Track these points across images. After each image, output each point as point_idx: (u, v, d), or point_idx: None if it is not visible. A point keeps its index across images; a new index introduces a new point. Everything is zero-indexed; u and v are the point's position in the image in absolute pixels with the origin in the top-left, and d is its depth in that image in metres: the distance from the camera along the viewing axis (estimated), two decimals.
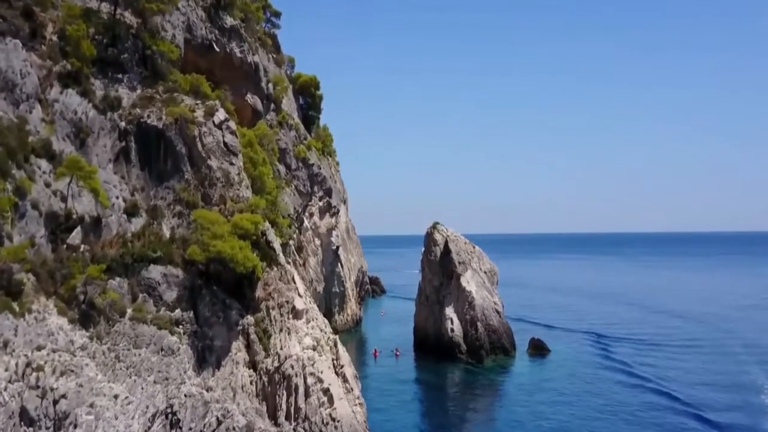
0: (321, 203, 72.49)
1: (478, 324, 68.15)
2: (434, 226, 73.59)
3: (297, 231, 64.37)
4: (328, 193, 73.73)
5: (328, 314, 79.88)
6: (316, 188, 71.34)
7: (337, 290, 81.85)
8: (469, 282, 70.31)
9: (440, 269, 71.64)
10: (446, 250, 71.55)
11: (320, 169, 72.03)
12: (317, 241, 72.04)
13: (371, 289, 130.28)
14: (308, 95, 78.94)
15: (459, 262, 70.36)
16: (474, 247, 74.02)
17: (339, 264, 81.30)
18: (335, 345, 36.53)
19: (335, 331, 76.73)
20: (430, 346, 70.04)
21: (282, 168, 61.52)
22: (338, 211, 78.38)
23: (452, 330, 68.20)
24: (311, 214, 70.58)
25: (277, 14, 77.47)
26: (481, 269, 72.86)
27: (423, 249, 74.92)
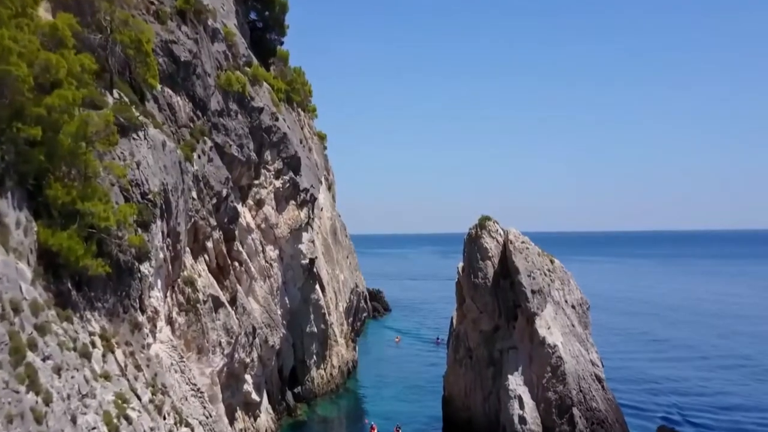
0: (279, 182, 40.31)
1: (574, 410, 36.19)
2: (483, 225, 41.34)
3: (220, 235, 32.08)
4: (292, 165, 41.51)
5: (294, 377, 47.95)
6: (267, 154, 39.16)
7: (315, 329, 49.69)
8: (551, 327, 38.28)
9: (495, 301, 39.68)
10: (506, 268, 39.63)
11: (277, 120, 39.85)
12: (271, 251, 39.87)
13: (371, 307, 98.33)
14: (263, 3, 46.82)
15: (533, 291, 38.24)
16: (553, 262, 41.84)
17: (317, 287, 49.14)
18: None
19: (307, 403, 45.05)
20: None
21: (180, 101, 29.46)
22: (314, 200, 46.17)
23: (523, 420, 36.22)
24: (258, 202, 38.46)
25: None
26: (566, 302, 40.82)
27: (461, 264, 42.89)
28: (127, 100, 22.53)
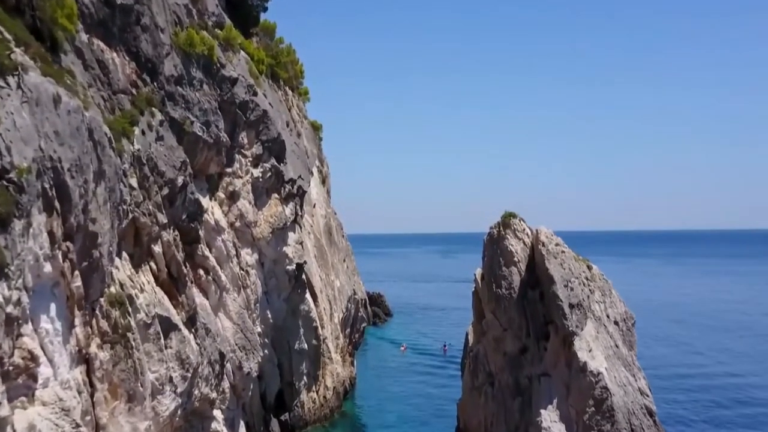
0: (258, 171, 32.96)
1: None
2: (506, 223, 33.91)
3: (175, 236, 24.70)
4: (275, 150, 34.16)
5: (280, 403, 40.70)
6: (243, 136, 31.85)
7: (305, 346, 42.34)
8: (593, 349, 30.98)
9: (522, 317, 32.46)
10: (535, 275, 32.38)
11: (256, 95, 32.50)
12: (248, 256, 32.53)
13: (372, 312, 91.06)
14: None
15: (571, 305, 30.98)
16: (591, 268, 34.56)
17: (307, 296, 41.85)
18: None
19: None
20: None
21: (116, 58, 22.14)
22: (302, 193, 38.81)
23: None
24: (231, 195, 31.13)
25: None
26: (608, 317, 33.52)
27: (479, 270, 35.58)
28: (10, 38, 15.22)
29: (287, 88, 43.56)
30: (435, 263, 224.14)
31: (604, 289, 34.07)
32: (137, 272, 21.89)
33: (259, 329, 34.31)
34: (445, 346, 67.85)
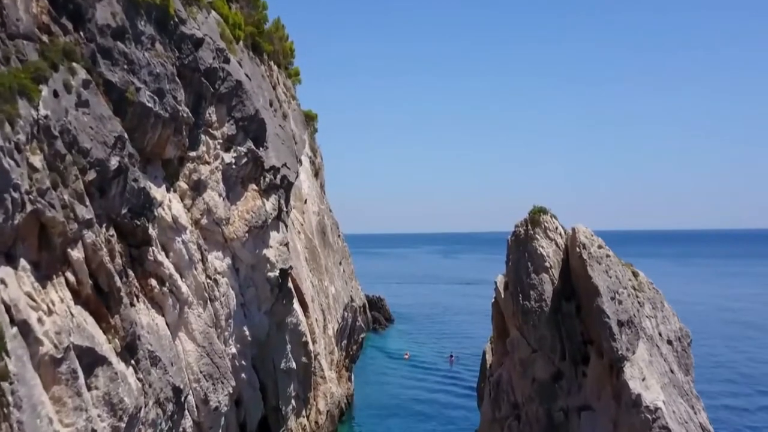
0: (230, 156, 26.77)
1: None
2: (536, 220, 27.61)
3: (108, 237, 18.51)
4: (252, 131, 27.93)
5: (264, 430, 34.56)
6: (212, 112, 25.69)
7: (293, 364, 36.09)
8: (647, 377, 24.84)
9: (556, 335, 26.34)
10: (569, 284, 26.28)
11: (228, 63, 26.32)
12: (217, 260, 26.34)
13: (371, 318, 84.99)
14: None
15: (620, 323, 24.84)
16: (637, 276, 28.40)
17: (295, 306, 35.61)
18: None
19: None
20: None
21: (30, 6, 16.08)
22: (289, 185, 32.58)
23: None
24: (195, 185, 24.97)
25: None
26: (661, 335, 27.38)
27: (501, 278, 29.37)
28: None
29: (272, 63, 37.38)
30: (436, 264, 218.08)
31: (655, 301, 27.91)
32: (44, 287, 15.75)
33: (234, 350, 28.17)
34: (451, 356, 62.14)
